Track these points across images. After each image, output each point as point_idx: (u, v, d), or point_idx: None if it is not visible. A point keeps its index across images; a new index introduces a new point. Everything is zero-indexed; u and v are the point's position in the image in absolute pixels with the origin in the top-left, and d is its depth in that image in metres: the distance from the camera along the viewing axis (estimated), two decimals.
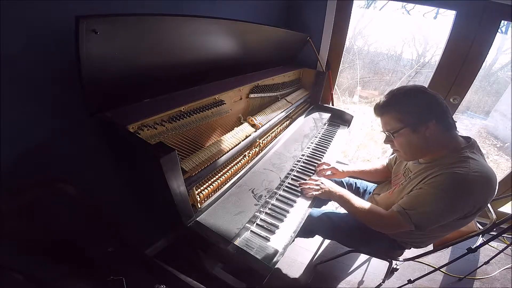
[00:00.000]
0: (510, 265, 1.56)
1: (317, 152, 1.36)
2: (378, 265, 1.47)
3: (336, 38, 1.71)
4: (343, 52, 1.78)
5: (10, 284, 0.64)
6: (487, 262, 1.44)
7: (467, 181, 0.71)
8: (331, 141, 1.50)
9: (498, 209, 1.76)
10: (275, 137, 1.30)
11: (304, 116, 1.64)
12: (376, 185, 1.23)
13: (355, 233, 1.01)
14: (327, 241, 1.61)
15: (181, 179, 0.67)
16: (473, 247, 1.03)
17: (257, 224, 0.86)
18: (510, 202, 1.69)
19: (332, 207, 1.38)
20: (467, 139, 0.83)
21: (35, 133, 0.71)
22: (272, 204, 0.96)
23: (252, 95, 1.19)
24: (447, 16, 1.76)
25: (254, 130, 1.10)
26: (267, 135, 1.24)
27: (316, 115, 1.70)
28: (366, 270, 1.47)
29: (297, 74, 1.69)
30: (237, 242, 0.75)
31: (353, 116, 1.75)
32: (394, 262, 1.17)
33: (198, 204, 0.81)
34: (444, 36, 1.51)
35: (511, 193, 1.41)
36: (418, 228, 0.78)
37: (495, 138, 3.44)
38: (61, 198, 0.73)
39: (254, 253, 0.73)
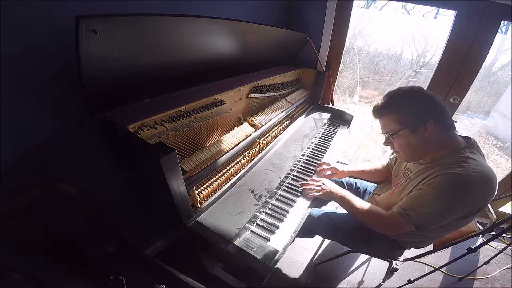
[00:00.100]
0: (510, 265, 1.56)
1: (317, 152, 1.36)
2: (378, 265, 1.47)
3: (336, 38, 1.71)
4: (343, 52, 1.78)
5: (10, 284, 0.64)
6: (487, 262, 1.44)
7: (467, 181, 0.71)
8: (331, 141, 1.50)
9: (498, 209, 1.76)
10: (275, 137, 1.30)
11: (304, 116, 1.64)
12: (376, 185, 1.24)
13: (355, 233, 1.01)
14: (327, 241, 1.61)
15: (181, 179, 0.67)
16: (473, 247, 1.04)
17: (257, 224, 0.86)
18: (510, 202, 1.69)
19: (332, 207, 1.38)
20: (467, 139, 0.83)
21: (35, 133, 0.71)
22: (272, 204, 0.96)
23: (252, 95, 1.19)
24: (447, 16, 1.75)
25: (254, 130, 1.10)
26: (267, 135, 1.24)
27: (316, 115, 1.70)
28: (366, 270, 1.47)
29: (297, 74, 1.69)
30: (237, 242, 0.75)
31: (353, 116, 1.75)
32: (394, 262, 1.17)
33: (198, 204, 0.81)
34: (444, 36, 1.51)
35: (511, 193, 1.41)
36: (419, 229, 0.78)
37: (495, 138, 3.43)
38: (61, 198, 0.73)
39: (254, 253, 0.73)
